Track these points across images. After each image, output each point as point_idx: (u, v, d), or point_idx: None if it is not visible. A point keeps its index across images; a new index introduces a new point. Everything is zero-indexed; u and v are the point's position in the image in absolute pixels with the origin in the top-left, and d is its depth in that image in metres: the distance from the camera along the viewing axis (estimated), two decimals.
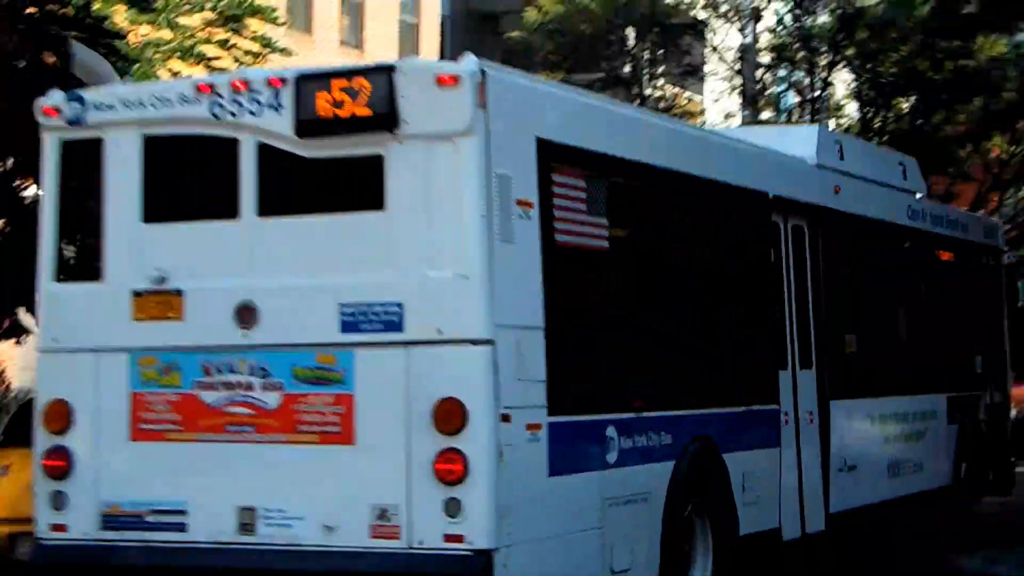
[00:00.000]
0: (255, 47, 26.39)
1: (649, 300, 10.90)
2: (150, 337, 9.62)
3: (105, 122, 9.83)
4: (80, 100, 9.95)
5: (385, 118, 8.89)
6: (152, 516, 9.56)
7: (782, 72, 38.96)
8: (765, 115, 38.33)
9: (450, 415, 8.73)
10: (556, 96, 10.35)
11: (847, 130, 38.95)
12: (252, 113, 9.29)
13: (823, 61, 37.82)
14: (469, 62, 8.95)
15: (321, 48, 34.73)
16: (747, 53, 36.28)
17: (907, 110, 39.18)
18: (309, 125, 9.11)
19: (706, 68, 38.68)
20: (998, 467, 18.39)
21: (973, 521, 17.37)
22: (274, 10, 28.20)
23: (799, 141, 14.26)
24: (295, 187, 9.42)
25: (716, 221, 12.01)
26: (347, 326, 9.07)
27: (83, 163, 9.91)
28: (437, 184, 8.84)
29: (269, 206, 9.38)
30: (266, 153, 9.34)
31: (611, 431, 10.01)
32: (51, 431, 9.83)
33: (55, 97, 10.07)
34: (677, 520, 10.59)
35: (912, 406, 15.86)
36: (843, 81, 39.38)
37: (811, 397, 13.16)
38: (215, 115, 9.44)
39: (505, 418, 8.80)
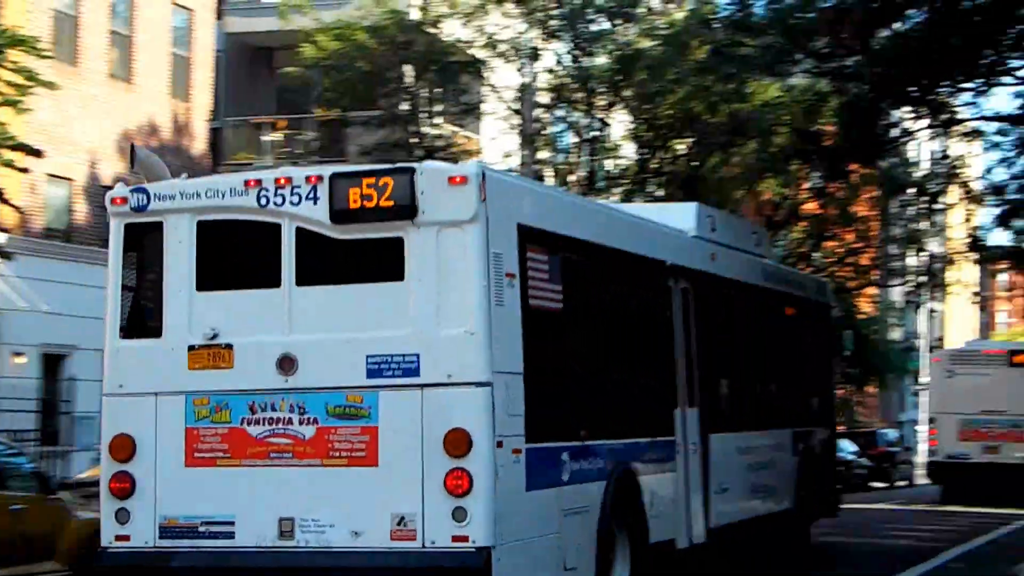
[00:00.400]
0: (18, 79, 25.26)
1: (588, 350, 13.38)
2: (203, 383, 11.74)
3: (164, 209, 11.98)
4: (144, 192, 12.09)
5: (406, 209, 11.23)
6: (204, 527, 11.62)
7: (560, 112, 38.97)
8: (542, 155, 38.28)
9: (458, 442, 11.04)
10: (528, 189, 13.26)
11: (625, 171, 39.19)
12: (293, 204, 11.57)
13: (601, 102, 37.95)
14: (473, 165, 11.56)
15: (87, 80, 33.48)
16: (525, 93, 36.15)
17: (683, 152, 39.59)
18: (342, 214, 11.37)
19: (484, 107, 38.40)
20: (828, 493, 21.32)
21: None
22: (37, 40, 27.06)
23: (679, 216, 16.90)
24: (328, 262, 11.63)
25: (632, 285, 14.72)
26: (371, 372, 11.33)
27: (146, 241, 12.07)
28: (447, 260, 11.17)
29: (306, 277, 11.62)
30: (303, 235, 11.58)
31: (565, 456, 12.40)
32: (117, 459, 11.87)
33: (122, 189, 12.19)
34: (607, 530, 12.92)
35: (767, 439, 18.73)
36: (621, 122, 39.60)
37: (696, 431, 15.81)
38: (261, 205, 11.67)
39: (499, 444, 11.16)
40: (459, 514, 11.00)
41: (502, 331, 11.37)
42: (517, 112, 37.14)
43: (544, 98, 37.73)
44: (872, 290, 53.14)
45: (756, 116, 36.85)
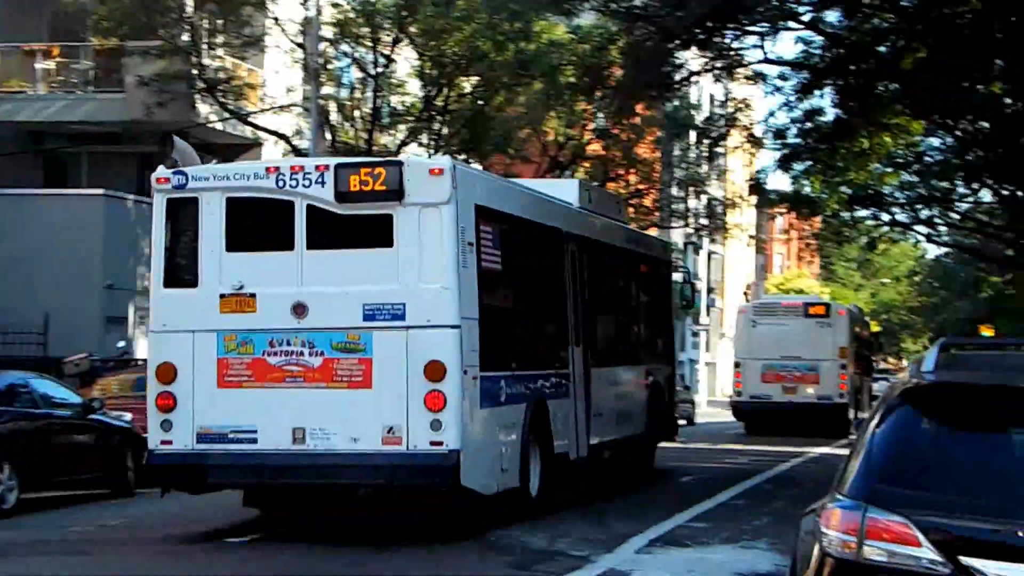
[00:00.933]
0: None
1: (516, 300, 17.05)
2: (232, 323, 14.84)
3: (200, 188, 15.09)
4: (183, 174, 15.18)
5: (395, 193, 14.50)
6: (232, 435, 14.70)
7: (345, 47, 38.18)
8: (327, 90, 37.47)
9: (436, 371, 14.26)
10: (480, 176, 17.51)
11: (409, 108, 38.65)
12: (305, 186, 14.73)
13: (386, 38, 37.28)
14: (448, 160, 15.61)
15: None
16: (309, 26, 35.21)
17: (469, 90, 39.19)
18: (344, 195, 14.62)
19: (267, 40, 37.33)
20: (669, 421, 24.99)
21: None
22: None
23: (564, 190, 20.30)
24: (332, 232, 14.81)
25: (541, 249, 18.23)
26: (367, 317, 14.52)
27: (183, 212, 15.16)
28: (427, 232, 14.48)
29: (314, 243, 14.79)
30: (313, 211, 14.75)
31: (503, 383, 15.82)
32: (161, 382, 14.93)
33: (164, 171, 15.22)
34: (527, 441, 16.37)
35: (628, 374, 22.48)
36: (406, 59, 38.99)
37: (581, 366, 19.07)
38: (279, 186, 14.84)
39: (465, 372, 14.47)
40: (435, 425, 14.26)
41: (465, 287, 14.72)
42: (300, 46, 36.17)
43: (328, 32, 36.85)
44: (654, 231, 53.66)
45: (543, 55, 36.69)
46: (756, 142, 32.52)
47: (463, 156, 41.02)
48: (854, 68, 29.00)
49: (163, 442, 14.99)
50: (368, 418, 14.41)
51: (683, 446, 32.99)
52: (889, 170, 42.81)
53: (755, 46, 28.34)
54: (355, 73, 38.54)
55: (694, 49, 28.29)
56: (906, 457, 6.73)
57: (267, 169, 15.12)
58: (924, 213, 48.16)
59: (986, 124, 36.43)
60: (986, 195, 47.02)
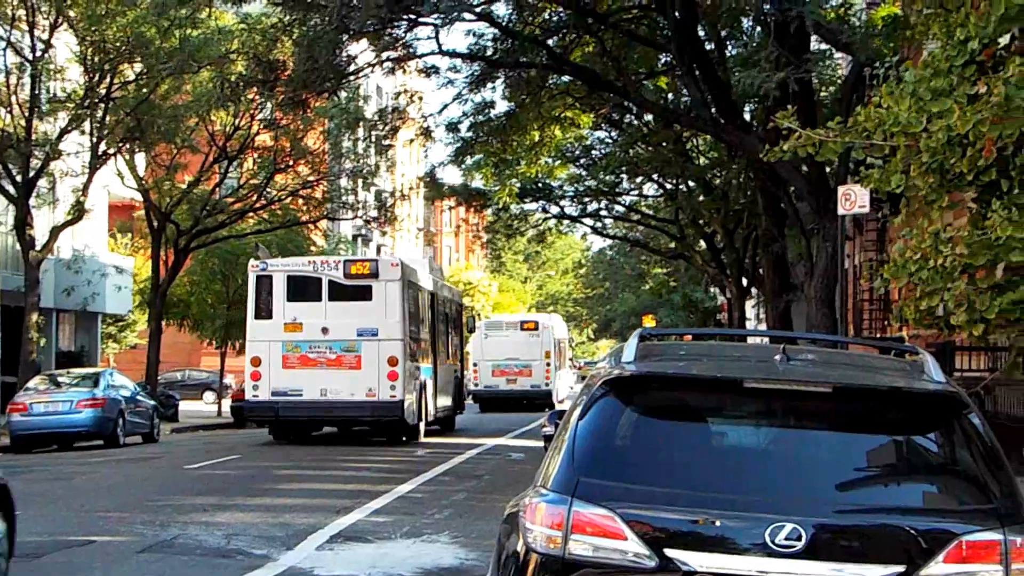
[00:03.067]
0: None
1: (418, 327, 31.97)
2: (289, 337, 29.77)
3: (273, 271, 30.19)
4: (265, 264, 30.47)
5: (374, 274, 29.93)
6: (289, 392, 29.71)
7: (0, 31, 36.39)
8: None
9: (392, 361, 29.60)
10: (411, 267, 32.25)
11: (70, 95, 37.13)
12: (327, 271, 30.14)
13: (44, 21, 35.70)
14: (399, 258, 32.98)
15: None
16: None
17: (133, 77, 37.94)
18: (348, 275, 29.94)
19: None
20: (461, 399, 41.37)
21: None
22: None
23: (421, 265, 36.07)
24: (342, 292, 29.86)
25: (423, 299, 33.49)
26: (359, 334, 29.60)
27: (265, 283, 30.11)
28: (389, 294, 29.88)
29: (332, 297, 29.88)
30: (331, 282, 29.95)
31: (415, 369, 31.38)
32: (253, 365, 30.01)
33: (256, 262, 30.72)
34: (422, 399, 31.97)
35: (449, 368, 37.87)
36: (67, 44, 37.43)
37: (434, 362, 34.38)
38: (314, 270, 30.24)
39: (406, 361, 29.96)
40: (392, 388, 29.35)
41: (404, 321, 29.82)
42: None
43: None
44: (324, 223, 53.24)
45: (211, 43, 35.79)
46: (427, 135, 32.49)
47: (128, 145, 39.71)
48: (525, 60, 29.29)
49: (254, 396, 30.32)
50: (359, 384, 29.67)
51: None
52: (558, 163, 43.61)
53: (429, 38, 28.28)
54: (11, 57, 36.72)
55: (365, 41, 28.05)
56: (610, 449, 6.60)
57: (308, 262, 31.36)
58: (592, 206, 49.32)
59: (650, 118, 37.49)
60: (650, 189, 48.46)
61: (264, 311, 29.60)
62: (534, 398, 52.90)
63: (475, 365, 53.65)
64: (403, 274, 29.76)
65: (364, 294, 29.41)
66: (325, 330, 29.28)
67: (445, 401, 35.77)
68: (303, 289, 29.53)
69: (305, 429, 30.99)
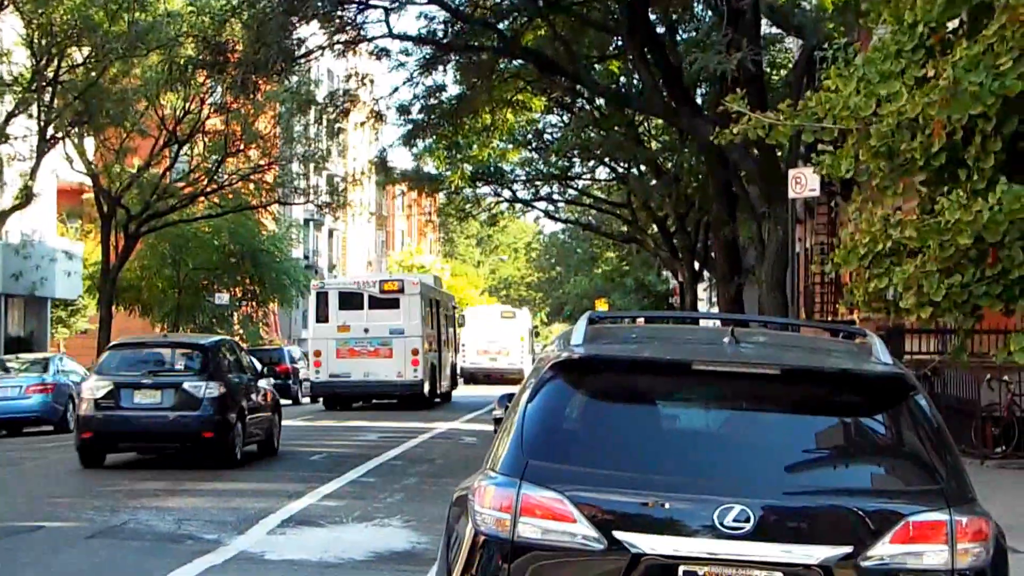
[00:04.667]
0: None
1: (431, 332, 42.80)
2: (342, 335, 39.95)
3: (328, 289, 41.59)
4: (323, 284, 43.16)
5: (401, 290, 40.27)
6: (342, 376, 39.90)
7: None
8: None
9: (415, 352, 39.88)
10: (428, 284, 43.95)
11: (17, 78, 36.77)
12: (369, 287, 40.70)
13: None
14: (418, 277, 45.13)
15: None
16: None
17: (81, 61, 37.63)
18: (383, 290, 40.25)
19: None
20: (455, 379, 50.56)
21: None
22: None
23: (429, 282, 45.48)
24: (378, 303, 39.96)
25: (438, 312, 45.15)
26: (391, 332, 39.71)
27: (323, 297, 40.83)
28: (411, 305, 40.11)
29: (371, 306, 39.99)
30: (370, 296, 40.09)
31: (429, 356, 41.62)
32: (315, 356, 40.64)
33: (316, 283, 43.50)
34: (434, 379, 42.87)
35: (447, 358, 47.06)
36: (12, 27, 37.06)
37: (439, 352, 44.68)
38: (358, 286, 41.23)
39: (424, 352, 40.42)
40: (415, 372, 39.60)
41: (421, 323, 40.12)
42: None
43: None
44: (275, 207, 53.01)
45: (159, 25, 35.53)
46: (379, 118, 32.37)
47: (76, 129, 39.38)
48: (476, 44, 29.23)
49: (317, 378, 40.24)
50: (391, 369, 39.16)
51: (311, 424, 32.89)
52: (510, 147, 43.56)
53: (379, 21, 28.16)
54: None
55: (316, 24, 27.91)
56: (559, 432, 6.60)
57: (353, 282, 42.51)
58: (544, 190, 49.33)
59: (602, 102, 37.51)
60: (603, 172, 48.50)
61: (323, 317, 40.27)
62: (510, 375, 60.59)
63: (463, 346, 59.77)
64: (420, 290, 40.72)
65: (394, 304, 39.87)
66: (366, 330, 39.64)
67: (446, 380, 46.46)
68: (350, 301, 40.10)
69: (349, 401, 41.28)
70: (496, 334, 63.43)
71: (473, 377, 61.94)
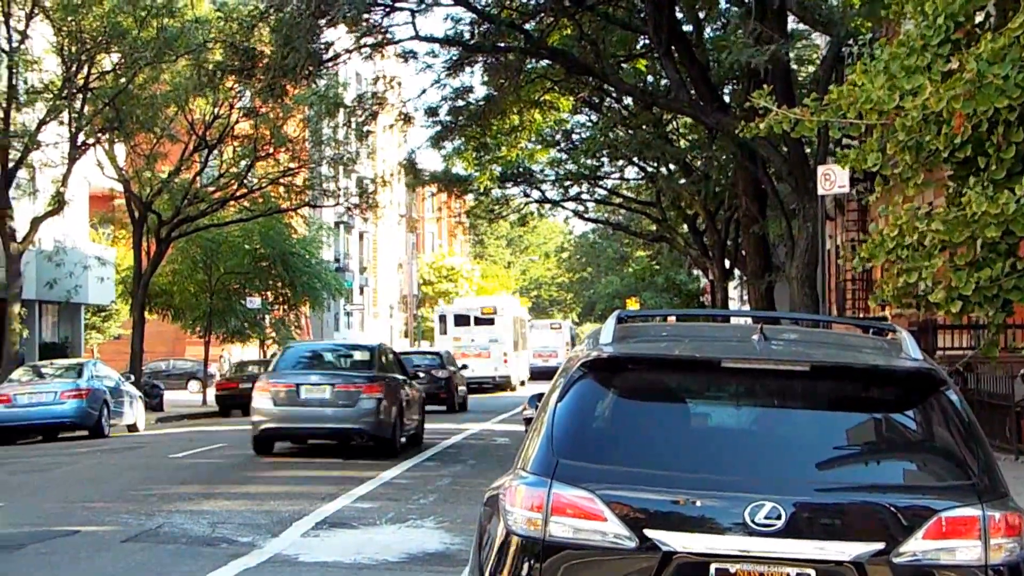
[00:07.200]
0: None
1: (515, 336, 66.04)
2: (456, 344, 59.85)
3: (447, 313, 65.56)
4: (444, 309, 68.23)
5: (496, 313, 64.00)
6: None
7: None
8: None
9: (505, 355, 62.88)
10: (511, 306, 69.43)
11: (48, 85, 36.97)
12: (473, 312, 64.12)
13: (20, 12, 35.56)
14: (508, 302, 70.40)
15: None
16: None
17: (111, 68, 37.81)
18: (484, 313, 63.71)
19: None
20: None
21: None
22: None
23: (515, 303, 73.90)
24: (480, 321, 63.12)
25: (520, 324, 69.75)
26: (490, 341, 62.20)
27: (444, 318, 65.28)
28: (504, 322, 63.63)
29: (476, 324, 63.01)
30: (475, 317, 63.58)
31: (516, 356, 65.21)
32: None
33: (438, 308, 71.23)
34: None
35: (523, 356, 70.86)
36: (43, 35, 37.27)
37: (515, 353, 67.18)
38: (467, 311, 64.64)
39: (511, 355, 63.58)
40: (506, 368, 62.55)
41: (509, 334, 63.15)
42: None
43: None
44: (306, 210, 53.12)
45: (188, 31, 35.68)
46: (407, 120, 32.46)
47: (107, 135, 39.59)
48: (503, 45, 29.26)
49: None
50: (490, 367, 60.61)
51: None
52: (539, 147, 43.55)
53: (406, 23, 28.21)
54: None
55: (343, 27, 28.00)
56: (589, 431, 6.61)
57: (463, 307, 64.75)
58: (573, 190, 49.29)
59: (629, 101, 37.48)
60: (631, 172, 48.44)
61: (444, 331, 62.05)
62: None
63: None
64: (509, 311, 62.25)
65: (491, 322, 60.88)
66: (472, 339, 59.52)
67: (525, 374, 67.86)
68: (461, 320, 61.77)
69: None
70: (548, 341, 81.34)
71: (531, 375, 76.77)
